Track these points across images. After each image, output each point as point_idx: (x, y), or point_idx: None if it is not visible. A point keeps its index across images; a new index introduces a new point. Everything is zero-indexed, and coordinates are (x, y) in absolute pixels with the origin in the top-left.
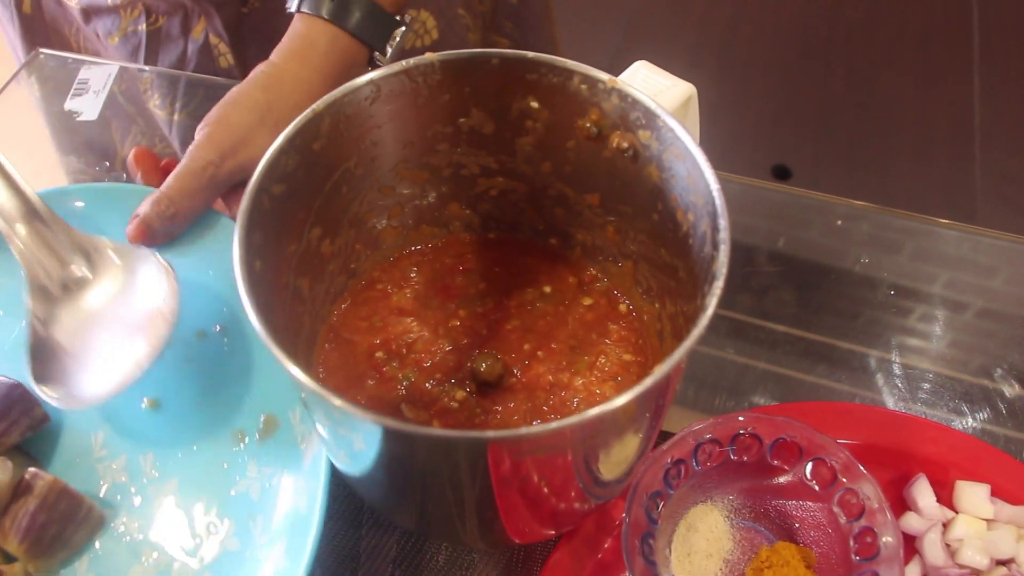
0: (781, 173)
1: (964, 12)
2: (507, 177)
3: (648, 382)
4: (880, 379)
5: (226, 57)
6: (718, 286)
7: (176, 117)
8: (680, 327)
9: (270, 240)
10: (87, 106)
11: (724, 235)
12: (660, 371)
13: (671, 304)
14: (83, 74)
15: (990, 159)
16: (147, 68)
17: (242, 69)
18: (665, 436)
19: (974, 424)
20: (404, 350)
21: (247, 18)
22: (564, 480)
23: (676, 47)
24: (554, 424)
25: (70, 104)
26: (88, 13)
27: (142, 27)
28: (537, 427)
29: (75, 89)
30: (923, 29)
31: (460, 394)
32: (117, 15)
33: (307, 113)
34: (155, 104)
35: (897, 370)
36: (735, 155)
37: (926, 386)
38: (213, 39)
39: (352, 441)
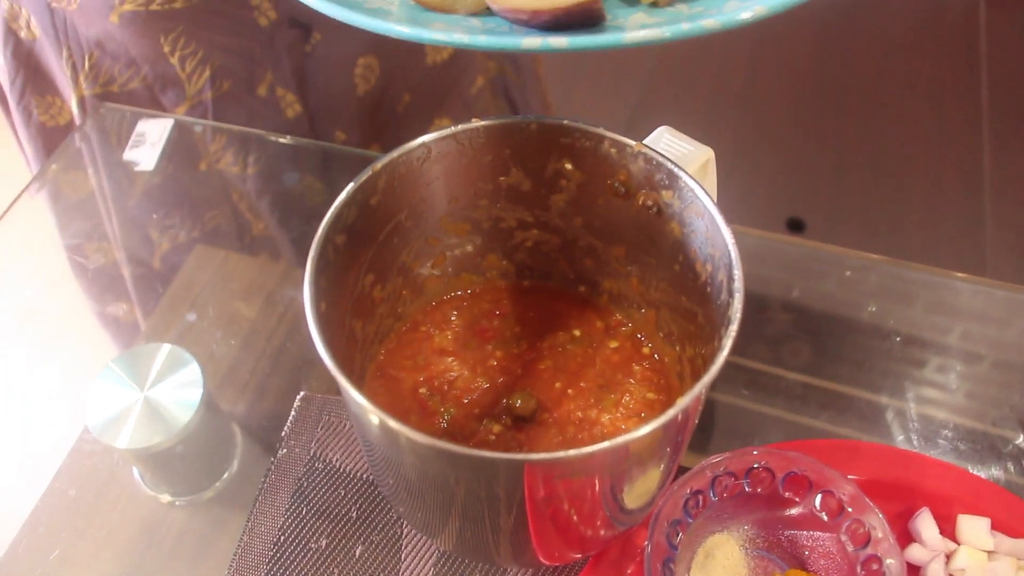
0: (795, 225)
1: (973, 67)
2: (541, 230)
3: (671, 412)
4: (889, 425)
5: (293, 107)
6: (733, 329)
7: (250, 171)
8: (699, 368)
9: (332, 285)
10: (144, 157)
11: (739, 284)
12: (682, 403)
13: (690, 348)
14: (140, 127)
15: (1000, 212)
16: (218, 124)
17: (309, 116)
18: (684, 471)
19: (985, 472)
20: (445, 387)
21: (310, 59)
22: (592, 505)
23: (693, 105)
24: (587, 449)
25: (128, 155)
26: (153, 89)
27: (207, 95)
28: (571, 451)
29: (133, 141)
30: (933, 85)
31: (497, 428)
32: (182, 87)
33: (367, 171)
34: (227, 163)
35: (907, 417)
36: (751, 208)
37: (938, 433)
38: (279, 91)
39: (400, 463)
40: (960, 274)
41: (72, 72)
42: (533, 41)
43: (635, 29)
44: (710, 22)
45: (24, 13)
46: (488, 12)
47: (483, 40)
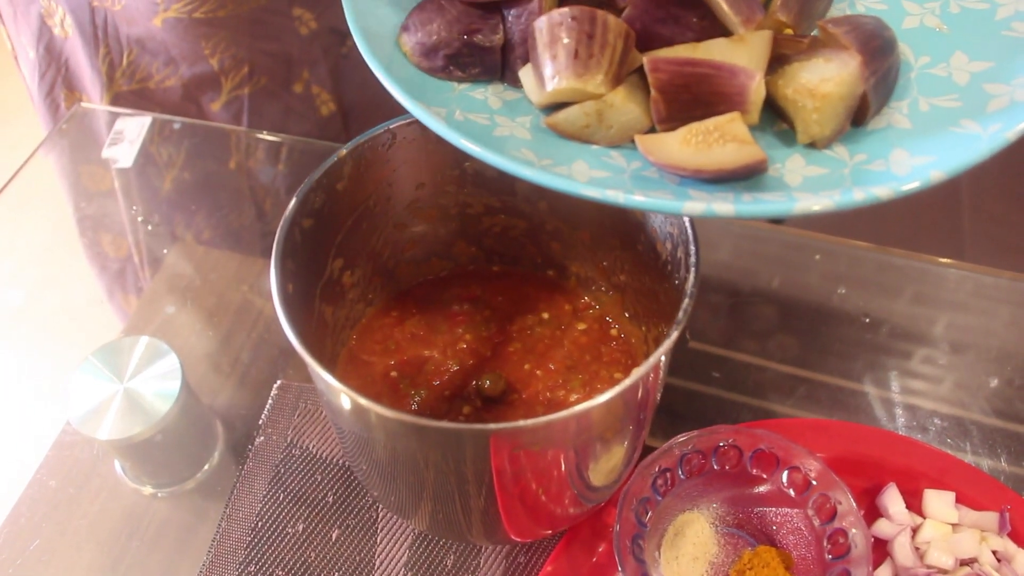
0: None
1: None
2: (508, 215)
3: (629, 381)
4: (859, 407)
5: (327, 105)
6: (689, 303)
7: (281, 167)
8: None
9: (300, 269)
10: (122, 154)
11: (694, 259)
12: (639, 371)
13: (655, 327)
14: (119, 125)
15: (976, 203)
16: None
17: (343, 114)
18: (652, 451)
19: (951, 449)
20: (416, 371)
21: (346, 60)
22: (559, 480)
23: None
24: (549, 416)
25: (107, 152)
26: (190, 87)
27: (244, 91)
28: (534, 420)
29: (111, 139)
30: None
31: (467, 409)
32: (219, 84)
33: (332, 158)
34: (208, 159)
35: (877, 399)
36: None
37: (907, 413)
38: (315, 89)
39: (372, 443)
40: (943, 259)
41: (108, 68)
42: (695, 206)
43: (802, 192)
44: (883, 191)
45: (60, 11)
46: (630, 144)
47: (639, 200)
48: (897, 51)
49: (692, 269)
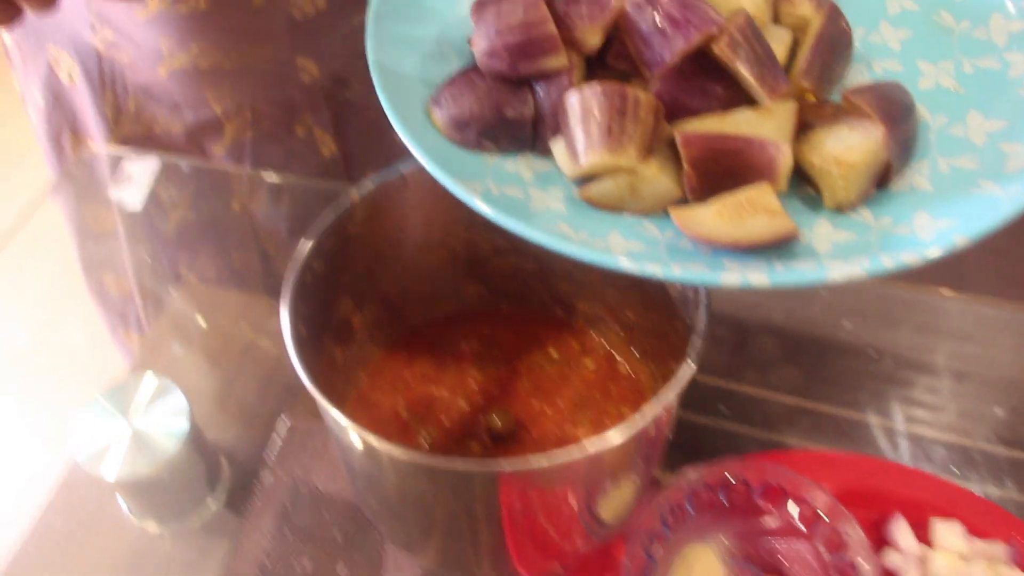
0: None
1: None
2: (517, 255)
3: (640, 421)
4: (864, 439)
5: (329, 147)
6: (697, 340)
7: (284, 208)
8: None
9: (311, 310)
10: (130, 196)
11: (703, 297)
12: (650, 411)
13: (662, 364)
14: (126, 166)
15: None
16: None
17: (345, 157)
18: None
19: (957, 479)
20: (426, 409)
21: (347, 104)
22: (568, 517)
23: None
24: (560, 457)
25: (115, 194)
26: (193, 132)
27: (247, 136)
28: (544, 459)
29: (119, 180)
30: None
31: (476, 446)
32: (222, 128)
33: (344, 201)
34: (213, 200)
35: (882, 430)
36: None
37: (912, 444)
38: (317, 132)
39: (383, 481)
40: (945, 291)
41: (114, 114)
42: (732, 278)
43: (832, 260)
44: (910, 257)
45: (68, 60)
46: (663, 212)
47: (678, 273)
48: (916, 114)
49: (700, 306)
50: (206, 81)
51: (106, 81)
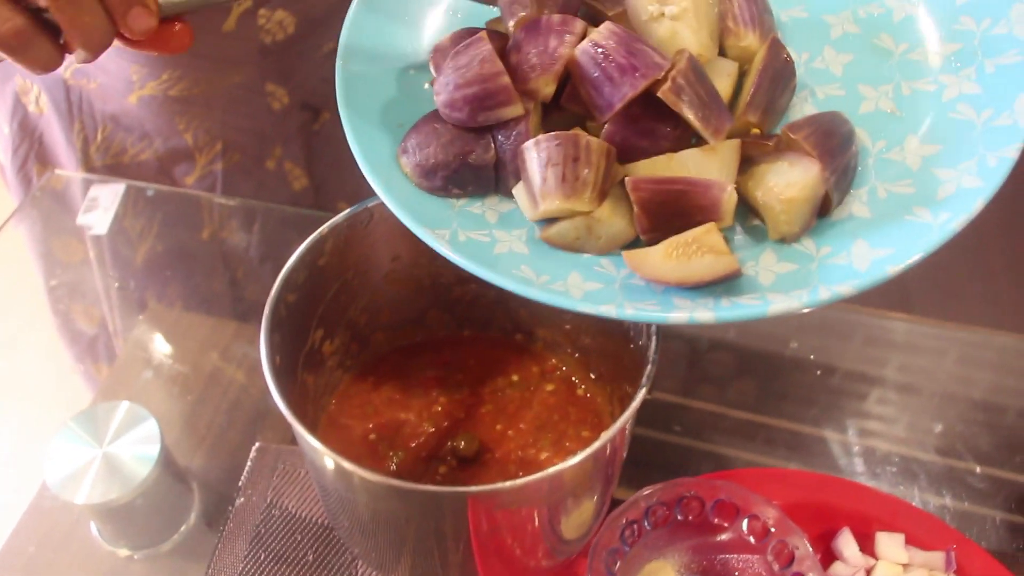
0: None
1: None
2: (478, 284)
3: (598, 444)
4: (812, 454)
5: (300, 180)
6: (651, 369)
7: (254, 235)
8: (627, 406)
9: (285, 340)
10: (97, 221)
11: (655, 328)
12: (607, 435)
13: (618, 387)
14: (93, 192)
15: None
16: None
17: (314, 188)
18: (619, 503)
19: (899, 492)
20: (394, 433)
21: (317, 136)
22: (533, 535)
23: None
24: (524, 479)
25: (82, 219)
26: (164, 161)
27: (218, 167)
28: (509, 482)
29: (86, 206)
30: None
31: (443, 468)
32: (193, 159)
33: (314, 236)
34: (183, 226)
35: (830, 444)
36: None
37: (857, 458)
38: (287, 165)
39: (355, 503)
40: (894, 313)
41: (83, 144)
42: (680, 316)
43: (774, 293)
44: (845, 288)
45: (35, 89)
46: (618, 252)
47: (630, 313)
48: (855, 142)
49: (653, 337)
50: (176, 108)
51: (73, 110)
